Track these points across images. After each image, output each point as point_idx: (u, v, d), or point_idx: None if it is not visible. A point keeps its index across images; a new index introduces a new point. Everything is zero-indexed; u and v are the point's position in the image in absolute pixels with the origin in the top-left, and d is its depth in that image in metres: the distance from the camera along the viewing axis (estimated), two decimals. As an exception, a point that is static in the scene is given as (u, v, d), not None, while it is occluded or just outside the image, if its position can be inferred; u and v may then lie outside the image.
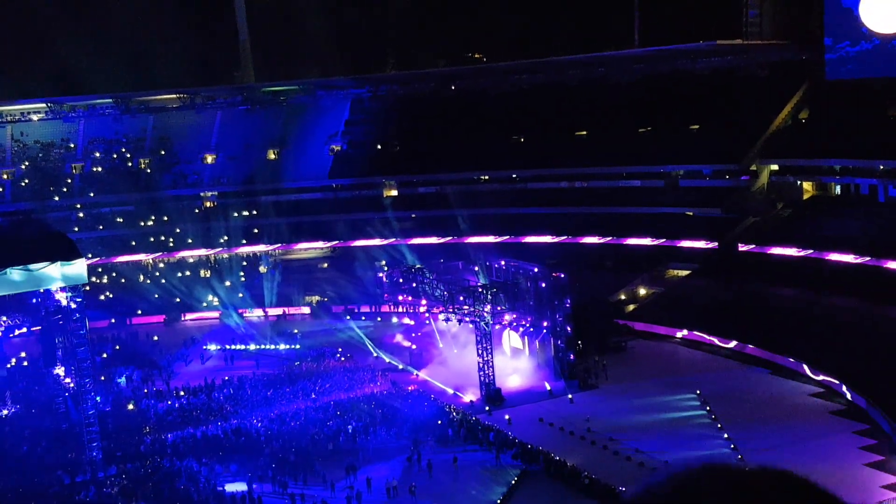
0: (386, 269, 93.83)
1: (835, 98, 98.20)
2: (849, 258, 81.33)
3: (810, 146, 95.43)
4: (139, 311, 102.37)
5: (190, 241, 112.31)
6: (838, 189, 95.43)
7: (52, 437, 63.29)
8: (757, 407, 62.61)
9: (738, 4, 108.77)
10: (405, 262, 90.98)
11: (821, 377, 66.12)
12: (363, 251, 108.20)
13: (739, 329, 76.79)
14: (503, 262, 79.05)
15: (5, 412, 69.61)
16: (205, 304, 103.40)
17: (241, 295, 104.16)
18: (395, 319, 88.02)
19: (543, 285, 72.51)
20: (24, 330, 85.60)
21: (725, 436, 57.22)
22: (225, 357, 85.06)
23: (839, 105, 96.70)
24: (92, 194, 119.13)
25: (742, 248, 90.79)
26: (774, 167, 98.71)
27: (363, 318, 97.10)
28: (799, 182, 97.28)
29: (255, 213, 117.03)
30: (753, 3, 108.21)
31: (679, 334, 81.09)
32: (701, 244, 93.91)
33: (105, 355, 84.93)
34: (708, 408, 62.57)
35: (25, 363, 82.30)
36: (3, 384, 72.96)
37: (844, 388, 63.06)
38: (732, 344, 75.94)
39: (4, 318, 71.18)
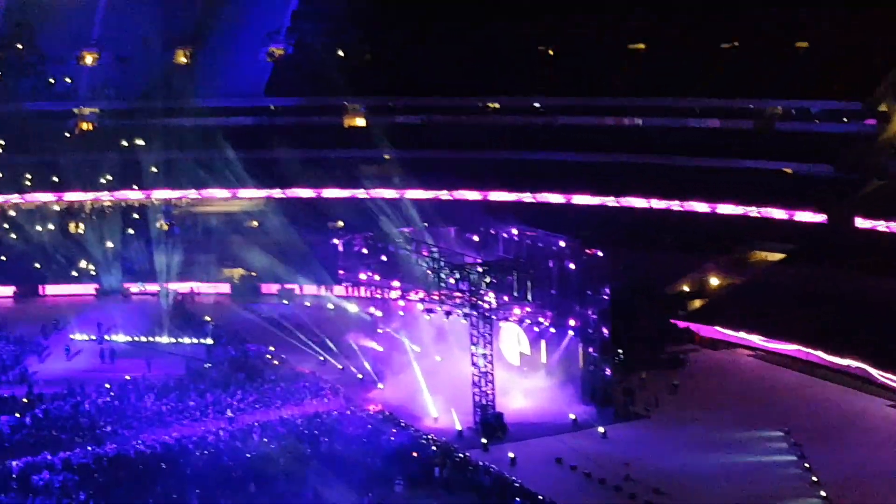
0: (343, 233, 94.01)
1: None
2: None
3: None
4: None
5: (56, 179, 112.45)
6: None
7: None
8: (872, 452, 63.23)
9: None
10: (372, 225, 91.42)
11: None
12: (311, 205, 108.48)
13: (851, 340, 77.31)
14: (516, 231, 79.43)
15: None
16: (74, 274, 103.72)
17: (127, 262, 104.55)
18: (353, 307, 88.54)
19: (572, 266, 72.93)
20: None
21: (823, 494, 57.97)
22: (101, 352, 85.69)
23: None
24: None
25: (861, 223, 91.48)
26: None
27: (307, 302, 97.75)
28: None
29: (153, 142, 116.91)
30: None
31: (764, 343, 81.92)
32: (802, 216, 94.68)
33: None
34: (800, 452, 63.33)
35: None
36: None
37: None
38: (840, 360, 76.61)
39: None
